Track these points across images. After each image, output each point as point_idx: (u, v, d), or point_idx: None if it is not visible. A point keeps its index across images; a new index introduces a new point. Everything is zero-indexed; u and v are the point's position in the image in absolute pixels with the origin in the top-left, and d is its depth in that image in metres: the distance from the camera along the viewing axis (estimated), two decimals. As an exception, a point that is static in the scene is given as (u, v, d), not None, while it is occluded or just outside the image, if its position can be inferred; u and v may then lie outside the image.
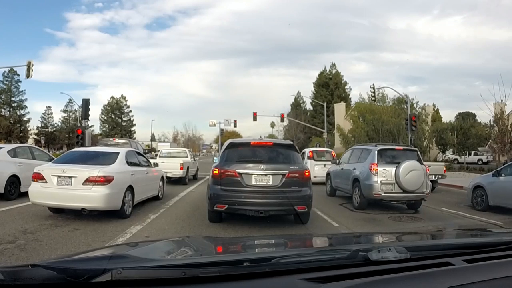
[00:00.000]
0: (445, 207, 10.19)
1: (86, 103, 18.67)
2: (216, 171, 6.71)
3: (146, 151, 22.91)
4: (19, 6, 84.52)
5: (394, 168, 9.00)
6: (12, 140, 48.73)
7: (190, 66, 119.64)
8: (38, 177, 6.83)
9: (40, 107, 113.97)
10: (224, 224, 6.96)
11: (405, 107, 27.54)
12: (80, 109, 21.04)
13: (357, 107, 35.37)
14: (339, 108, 47.71)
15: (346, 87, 58.72)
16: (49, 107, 66.30)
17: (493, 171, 10.40)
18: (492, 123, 25.18)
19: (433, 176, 13.33)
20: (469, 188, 10.55)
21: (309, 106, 61.38)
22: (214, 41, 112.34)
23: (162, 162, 13.84)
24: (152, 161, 11.43)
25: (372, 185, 9.07)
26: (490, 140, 28.61)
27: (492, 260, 1.44)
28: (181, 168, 14.36)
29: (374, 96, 26.89)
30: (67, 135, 61.75)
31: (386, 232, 5.20)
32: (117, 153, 7.80)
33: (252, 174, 6.59)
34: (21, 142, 40.24)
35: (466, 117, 37.44)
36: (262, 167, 6.64)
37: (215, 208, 6.61)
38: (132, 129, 71.83)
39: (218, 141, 57.97)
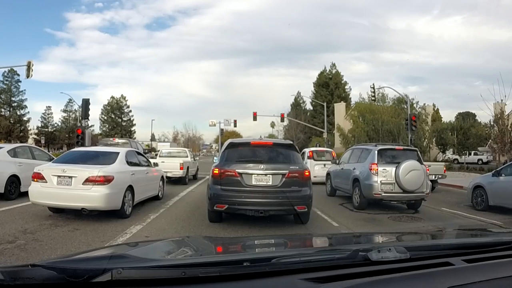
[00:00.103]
0: (445, 207, 10.19)
1: (86, 103, 18.67)
2: (216, 171, 6.71)
3: (146, 151, 22.93)
4: (19, 6, 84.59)
5: (394, 168, 9.00)
6: (12, 140, 48.70)
7: (190, 66, 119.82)
8: (38, 177, 6.83)
9: (40, 107, 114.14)
10: (224, 224, 6.96)
11: (405, 107, 27.54)
12: (80, 109, 21.05)
13: (357, 107, 35.36)
14: (339, 108, 47.71)
15: (346, 87, 58.76)
16: (49, 107, 66.39)
17: (493, 171, 10.40)
18: (492, 123, 25.20)
19: (433, 176, 13.33)
20: (469, 188, 10.55)
21: (309, 106, 61.45)
22: (214, 41, 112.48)
23: (162, 162, 13.84)
24: (152, 161, 11.44)
25: (372, 185, 9.07)
26: (490, 140, 28.62)
27: (492, 260, 1.44)
28: (181, 168, 14.36)
29: (374, 96, 26.89)
30: (67, 135, 61.76)
31: (386, 232, 5.19)
32: (117, 153, 7.80)
33: (252, 174, 6.59)
34: (21, 142, 40.20)
35: (466, 117, 37.45)
36: (262, 167, 6.64)
37: (215, 208, 6.61)
38: (132, 129, 71.89)
39: (218, 141, 57.97)
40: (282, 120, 40.21)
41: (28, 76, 23.11)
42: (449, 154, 36.54)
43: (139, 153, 9.53)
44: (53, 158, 9.59)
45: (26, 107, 58.24)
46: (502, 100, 22.79)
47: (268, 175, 6.61)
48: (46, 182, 6.74)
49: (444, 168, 15.14)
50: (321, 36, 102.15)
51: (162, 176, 10.36)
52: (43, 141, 54.91)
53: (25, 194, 7.63)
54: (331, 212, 8.79)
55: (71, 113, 64.32)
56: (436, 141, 32.32)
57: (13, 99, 56.99)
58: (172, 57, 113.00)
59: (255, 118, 36.17)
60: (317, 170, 15.18)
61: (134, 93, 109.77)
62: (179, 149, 18.81)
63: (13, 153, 9.96)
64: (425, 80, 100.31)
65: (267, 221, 6.92)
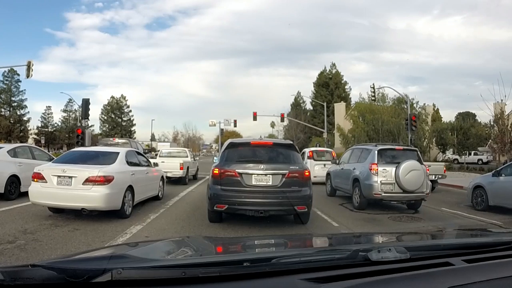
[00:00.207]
0: (445, 207, 10.19)
1: (86, 103, 18.67)
2: (216, 171, 6.71)
3: (146, 151, 22.93)
4: (19, 6, 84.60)
5: (394, 168, 9.00)
6: (12, 140, 48.71)
7: (190, 66, 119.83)
8: (38, 177, 6.83)
9: (40, 107, 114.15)
10: (224, 224, 6.96)
11: (405, 107, 27.53)
12: (80, 109, 21.05)
13: (357, 107, 35.35)
14: (339, 108, 47.71)
15: (346, 87, 58.76)
16: (49, 107, 66.39)
17: (493, 171, 10.40)
18: (492, 123, 25.20)
19: (433, 176, 13.33)
20: (469, 188, 10.55)
21: (309, 106, 61.45)
22: (214, 41, 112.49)
23: (162, 162, 13.84)
24: (152, 161, 11.43)
25: (372, 185, 9.07)
26: (490, 140, 28.61)
27: (492, 260, 1.44)
28: (181, 168, 14.36)
29: (374, 96, 26.89)
30: (67, 135, 61.78)
31: (386, 232, 5.20)
32: (117, 153, 7.80)
33: (252, 174, 6.59)
34: (21, 142, 40.20)
35: (466, 117, 37.46)
36: (262, 167, 6.63)
37: (215, 208, 6.61)
38: (132, 129, 71.92)
39: (218, 141, 57.96)
40: (282, 120, 40.22)
41: (28, 76, 23.12)
42: (449, 154, 36.54)
43: (139, 153, 9.53)
44: (53, 158, 9.59)
45: (26, 107, 58.39)
46: (502, 100, 22.83)
47: (268, 175, 6.61)
48: (46, 182, 6.74)
49: (444, 168, 15.14)
50: (321, 36, 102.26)
51: (162, 176, 10.36)
52: (43, 141, 54.91)
53: (25, 194, 7.63)
54: (331, 212, 8.79)
55: (71, 113, 64.39)
56: (436, 141, 32.32)
57: (13, 99, 57.02)
58: (172, 57, 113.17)
59: (255, 118, 36.18)
60: (317, 170, 15.18)
61: (134, 93, 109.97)
62: (179, 149, 18.81)
63: (13, 153, 9.96)
64: (425, 80, 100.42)
65: (267, 221, 6.92)
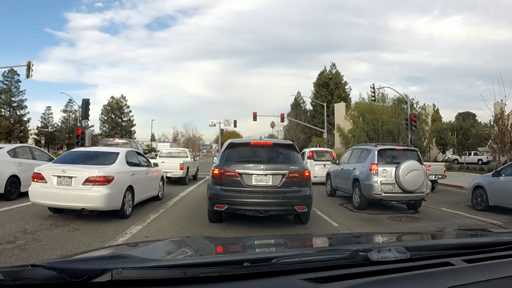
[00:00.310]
0: (445, 207, 10.19)
1: (86, 103, 18.67)
2: (216, 171, 6.71)
3: (146, 151, 22.91)
4: (19, 6, 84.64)
5: (394, 168, 9.00)
6: (12, 140, 48.74)
7: (190, 66, 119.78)
8: (38, 177, 6.83)
9: (40, 107, 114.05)
10: (224, 224, 6.96)
11: (405, 107, 27.54)
12: (80, 109, 21.05)
13: (357, 107, 35.37)
14: (339, 108, 47.72)
15: (346, 87, 58.76)
16: (49, 107, 66.43)
17: (493, 171, 10.41)
18: (492, 123, 25.20)
19: (433, 176, 13.33)
20: (469, 188, 10.55)
21: (309, 106, 61.46)
22: (214, 41, 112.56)
23: (162, 162, 13.84)
24: (152, 161, 11.43)
25: (372, 185, 9.07)
26: (490, 140, 28.62)
27: (492, 260, 1.44)
28: (181, 168, 14.36)
29: (374, 96, 26.89)
30: (67, 135, 61.78)
31: (386, 232, 5.20)
32: (117, 153, 7.80)
33: (252, 174, 6.59)
34: (21, 142, 40.24)
35: (466, 117, 37.45)
36: (262, 167, 6.64)
37: (215, 208, 6.61)
38: (132, 129, 71.93)
39: (218, 141, 58.00)
40: (282, 120, 40.21)
41: (28, 76, 23.11)
42: (449, 154, 36.55)
43: (139, 153, 9.53)
44: (53, 158, 9.59)
45: (26, 107, 58.41)
46: (502, 100, 22.83)
47: (268, 175, 6.61)
48: (46, 182, 6.74)
49: (444, 168, 15.14)
50: (321, 36, 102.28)
51: (162, 176, 10.36)
52: (43, 141, 54.93)
53: (25, 194, 7.63)
54: (331, 212, 8.79)
55: (71, 113, 64.39)
56: (436, 141, 32.33)
57: (13, 99, 57.02)
58: (172, 57, 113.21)
59: (255, 118, 36.17)
60: (317, 170, 15.18)
61: (134, 93, 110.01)
62: (179, 149, 18.81)
63: (13, 153, 9.96)
64: (425, 80, 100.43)
65: (267, 221, 6.92)
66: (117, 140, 20.82)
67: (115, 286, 1.10)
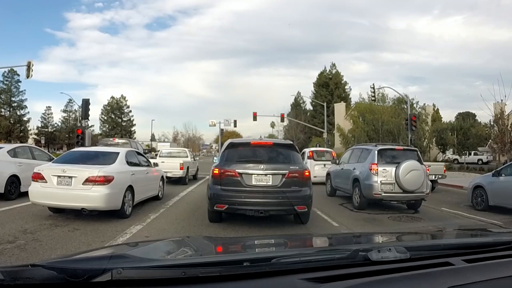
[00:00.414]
0: (445, 207, 10.19)
1: (86, 103, 18.68)
2: (216, 171, 6.71)
3: (146, 151, 22.92)
4: (19, 6, 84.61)
5: (394, 168, 9.00)
6: (12, 140, 48.73)
7: (190, 66, 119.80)
8: (38, 177, 6.83)
9: (40, 107, 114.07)
10: (224, 224, 6.96)
11: (405, 107, 27.55)
12: (80, 109, 21.05)
13: (357, 107, 35.38)
14: (339, 108, 47.73)
15: (346, 87, 58.77)
16: (49, 107, 66.51)
17: (493, 171, 10.40)
18: (492, 123, 25.20)
19: (433, 176, 13.33)
20: (469, 188, 10.55)
21: (309, 106, 61.46)
22: (214, 41, 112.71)
23: (162, 162, 13.84)
24: (152, 161, 11.43)
25: (372, 185, 9.07)
26: (490, 140, 28.62)
27: (492, 260, 1.44)
28: (181, 168, 14.36)
29: (374, 96, 26.89)
30: (67, 135, 61.80)
31: (386, 232, 5.19)
32: (117, 153, 7.80)
33: (252, 174, 6.59)
34: (21, 142, 40.22)
35: (466, 117, 37.45)
36: (262, 167, 6.63)
37: (215, 208, 6.61)
38: (132, 129, 71.97)
39: (218, 141, 57.98)
40: (282, 120, 40.21)
41: (28, 76, 23.11)
42: (449, 154, 36.55)
43: (139, 153, 9.53)
44: (53, 158, 9.59)
45: (26, 107, 58.45)
46: (502, 100, 22.83)
47: (268, 175, 6.61)
48: (46, 182, 6.74)
49: (444, 168, 15.14)
50: (321, 36, 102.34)
51: (162, 176, 10.36)
52: (43, 141, 54.95)
53: (25, 194, 7.63)
54: (331, 212, 8.79)
55: (71, 113, 64.42)
56: (436, 141, 32.34)
57: (13, 99, 57.03)
58: (172, 57, 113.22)
59: (255, 118, 36.17)
60: (317, 170, 15.18)
61: (134, 93, 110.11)
62: (179, 149, 18.80)
63: (13, 153, 9.96)
64: (425, 80, 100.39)
65: (267, 221, 6.92)
66: (117, 140, 20.82)
67: (115, 286, 1.10)
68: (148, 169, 9.17)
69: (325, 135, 36.76)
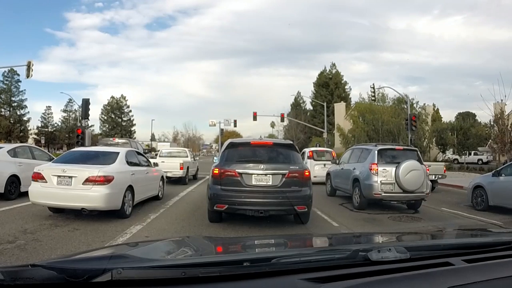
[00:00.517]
0: (445, 207, 10.19)
1: (86, 103, 18.68)
2: (216, 171, 6.71)
3: (146, 151, 22.92)
4: (19, 6, 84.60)
5: (394, 168, 9.00)
6: (12, 140, 48.71)
7: (190, 66, 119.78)
8: (38, 177, 6.82)
9: (40, 107, 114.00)
10: (224, 224, 6.96)
11: (405, 107, 27.55)
12: (80, 109, 21.05)
13: (357, 107, 35.38)
14: (339, 108, 47.72)
15: (346, 87, 58.76)
16: (49, 107, 66.37)
17: (493, 171, 10.40)
18: (492, 123, 25.20)
19: (433, 176, 13.32)
20: (469, 188, 10.55)
21: (309, 106, 61.44)
22: (214, 41, 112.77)
23: (162, 162, 13.84)
24: (152, 161, 11.43)
25: (372, 185, 9.07)
26: (490, 140, 28.62)
27: (492, 260, 1.44)
28: (181, 168, 14.36)
29: (374, 96, 26.89)
30: (67, 135, 61.79)
31: (386, 232, 5.19)
32: (117, 153, 7.80)
33: (252, 174, 6.59)
34: (21, 142, 40.21)
35: (466, 117, 37.44)
36: (262, 167, 6.63)
37: (215, 208, 6.61)
38: (132, 129, 71.96)
39: (218, 141, 57.97)
40: (282, 120, 40.20)
41: (28, 76, 23.11)
42: (449, 154, 36.54)
43: (139, 153, 9.53)
44: (53, 158, 9.58)
45: (26, 107, 58.40)
46: (502, 100, 22.84)
47: (268, 175, 6.61)
48: (46, 182, 6.74)
49: (444, 168, 15.14)
50: (321, 36, 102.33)
51: (162, 176, 10.36)
52: (43, 141, 54.93)
53: (25, 194, 7.62)
54: (331, 212, 8.78)
55: (71, 113, 64.40)
56: (436, 141, 32.33)
57: (13, 99, 57.01)
58: (172, 57, 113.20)
59: (255, 118, 36.17)
60: (317, 170, 15.18)
61: (134, 93, 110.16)
62: (179, 149, 18.80)
63: (13, 153, 9.96)
64: (425, 80, 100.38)
65: (267, 221, 6.92)
66: (117, 140, 20.84)
67: (115, 286, 1.10)
68: (148, 169, 9.17)
69: (325, 135, 36.76)
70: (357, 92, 79.80)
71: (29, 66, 22.82)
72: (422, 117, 30.60)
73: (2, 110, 55.98)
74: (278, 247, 2.08)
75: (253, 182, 6.56)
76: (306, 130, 50.70)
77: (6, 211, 7.64)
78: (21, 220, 6.82)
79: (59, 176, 6.71)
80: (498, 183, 9.51)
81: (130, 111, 72.37)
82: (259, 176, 6.59)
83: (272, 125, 57.46)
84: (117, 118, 70.97)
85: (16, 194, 9.40)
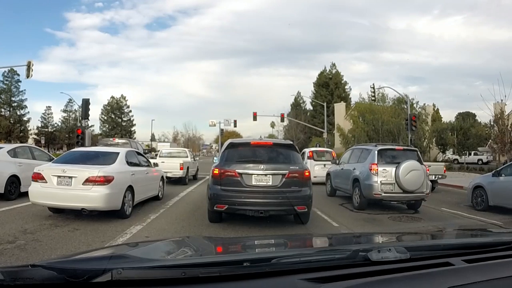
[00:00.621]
0: (445, 207, 10.19)
1: (86, 103, 18.67)
2: (216, 171, 6.71)
3: (146, 151, 22.91)
4: (19, 6, 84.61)
5: (394, 168, 9.00)
6: (12, 140, 48.72)
7: (190, 66, 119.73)
8: (38, 177, 6.82)
9: (40, 107, 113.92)
10: (224, 224, 6.96)
11: (405, 107, 27.54)
12: (80, 109, 21.05)
13: (357, 107, 35.39)
14: (339, 108, 47.72)
15: (346, 87, 58.75)
16: (49, 107, 66.36)
17: (493, 171, 10.40)
18: (492, 123, 25.20)
19: (433, 176, 13.32)
20: (469, 188, 10.55)
21: (309, 106, 61.44)
22: (214, 41, 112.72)
23: (162, 162, 13.84)
24: (152, 161, 11.43)
25: (372, 185, 9.07)
26: (490, 140, 28.63)
27: (492, 260, 1.44)
28: (181, 168, 14.36)
29: (374, 96, 26.89)
30: (67, 135, 61.78)
31: (386, 232, 5.19)
32: (117, 153, 7.80)
33: (252, 174, 6.58)
34: (21, 142, 40.23)
35: (466, 117, 37.40)
36: (262, 167, 6.63)
37: (215, 208, 6.61)
38: (132, 129, 71.96)
39: (218, 141, 57.98)
40: (282, 120, 40.19)
41: (28, 76, 23.10)
42: (449, 154, 36.54)
43: (139, 153, 9.53)
44: (53, 158, 9.58)
45: (26, 107, 58.39)
46: (502, 100, 22.84)
47: (268, 175, 6.61)
48: (46, 182, 6.74)
49: (444, 168, 15.14)
50: (321, 36, 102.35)
51: (162, 176, 10.36)
52: (43, 141, 54.94)
53: (25, 194, 7.63)
54: (331, 212, 8.78)
55: (71, 113, 64.39)
56: (436, 141, 32.33)
57: (13, 99, 57.00)
58: (172, 57, 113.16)
59: (255, 118, 36.17)
60: (317, 170, 15.18)
61: (134, 93, 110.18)
62: (179, 149, 18.80)
63: (13, 153, 9.96)
64: (425, 80, 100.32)
65: (267, 221, 6.92)
66: (117, 140, 20.83)
67: (115, 286, 1.10)
68: (148, 169, 9.16)
69: (325, 135, 36.76)
70: (357, 92, 79.93)
71: (29, 66, 22.81)
72: (422, 117, 30.61)
73: (2, 110, 55.97)
74: (278, 247, 2.08)
75: (253, 182, 6.56)
76: (306, 130, 50.71)
77: (6, 211, 7.64)
78: (21, 220, 6.82)
79: (59, 176, 6.71)
80: (498, 183, 9.51)
81: (130, 111, 72.51)
82: (259, 176, 6.59)
83: (272, 125, 57.53)
84: (117, 118, 70.97)
85: (16, 194, 9.39)
